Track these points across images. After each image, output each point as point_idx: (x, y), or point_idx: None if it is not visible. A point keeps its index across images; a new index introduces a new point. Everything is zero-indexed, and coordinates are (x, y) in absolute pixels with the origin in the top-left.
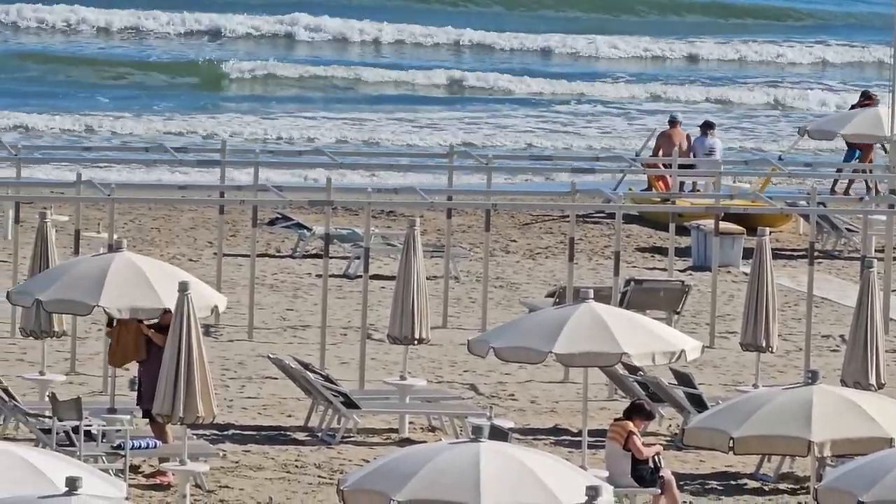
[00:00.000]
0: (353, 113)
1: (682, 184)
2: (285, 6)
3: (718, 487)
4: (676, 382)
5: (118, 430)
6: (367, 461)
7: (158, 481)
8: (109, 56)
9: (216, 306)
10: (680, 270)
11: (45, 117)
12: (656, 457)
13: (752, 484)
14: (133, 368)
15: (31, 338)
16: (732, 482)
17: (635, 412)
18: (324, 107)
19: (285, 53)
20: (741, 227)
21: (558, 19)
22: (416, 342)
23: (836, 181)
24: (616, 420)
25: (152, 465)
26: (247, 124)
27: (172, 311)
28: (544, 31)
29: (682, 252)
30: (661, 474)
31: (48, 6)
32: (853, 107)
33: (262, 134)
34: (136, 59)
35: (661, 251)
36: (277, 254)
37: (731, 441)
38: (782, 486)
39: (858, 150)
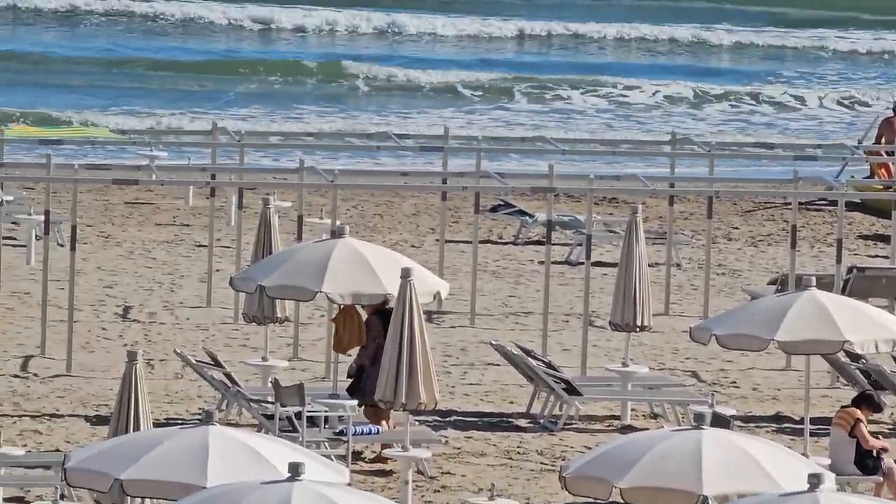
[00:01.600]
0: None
1: None
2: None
3: None
4: None
5: (341, 416)
6: (589, 448)
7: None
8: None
9: (438, 292)
10: None
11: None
12: (881, 451)
13: None
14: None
15: (253, 323)
16: None
17: (864, 402)
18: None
19: None
20: None
21: None
22: (638, 329)
23: None
24: (843, 407)
25: (374, 451)
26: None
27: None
28: None
29: None
30: (883, 463)
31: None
32: None
33: (484, 121)
34: None
35: (884, 239)
36: (500, 240)
37: None
38: None
39: None
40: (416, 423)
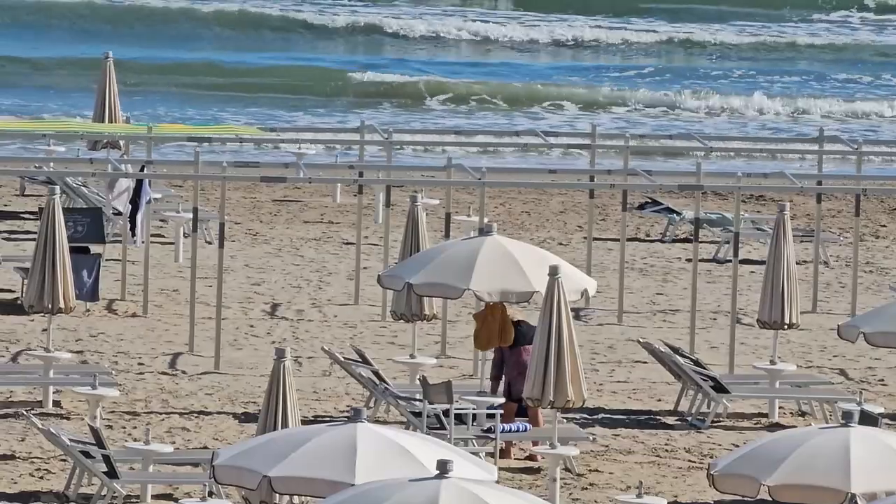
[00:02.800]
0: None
1: None
2: None
3: None
4: None
5: (489, 414)
6: (737, 446)
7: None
8: None
9: (586, 290)
10: None
11: None
12: None
13: None
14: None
15: (401, 321)
16: None
17: None
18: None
19: None
20: None
21: None
22: (785, 327)
23: None
24: None
25: (522, 449)
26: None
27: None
28: None
29: None
30: None
31: None
32: None
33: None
34: None
35: None
36: (647, 238)
37: None
38: None
39: None
40: (564, 420)
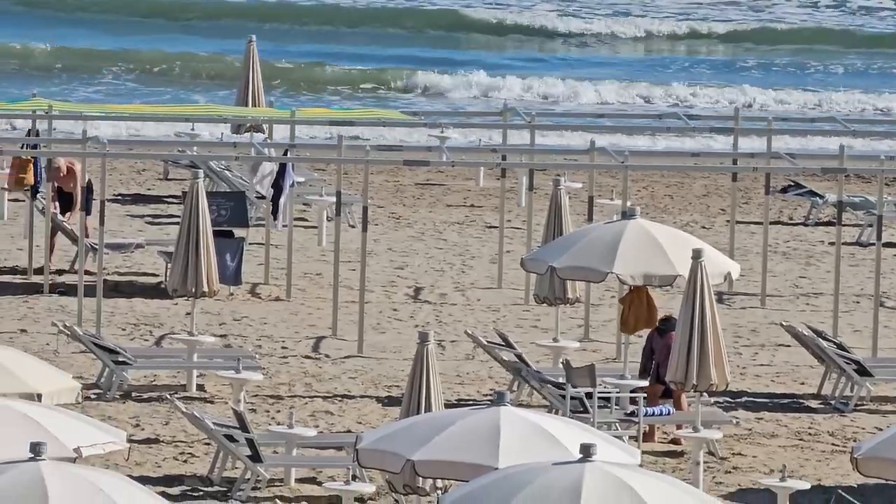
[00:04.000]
0: (868, 82)
1: None
2: None
3: None
4: None
5: (632, 397)
6: (881, 429)
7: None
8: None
9: (729, 273)
10: None
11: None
12: None
13: None
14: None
15: (544, 304)
16: None
17: None
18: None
19: None
20: None
21: None
22: None
23: None
24: None
25: (665, 433)
26: (759, 92)
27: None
28: None
29: None
30: None
31: None
32: None
33: (773, 103)
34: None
35: None
36: (790, 221)
37: None
38: None
39: None
40: (708, 403)
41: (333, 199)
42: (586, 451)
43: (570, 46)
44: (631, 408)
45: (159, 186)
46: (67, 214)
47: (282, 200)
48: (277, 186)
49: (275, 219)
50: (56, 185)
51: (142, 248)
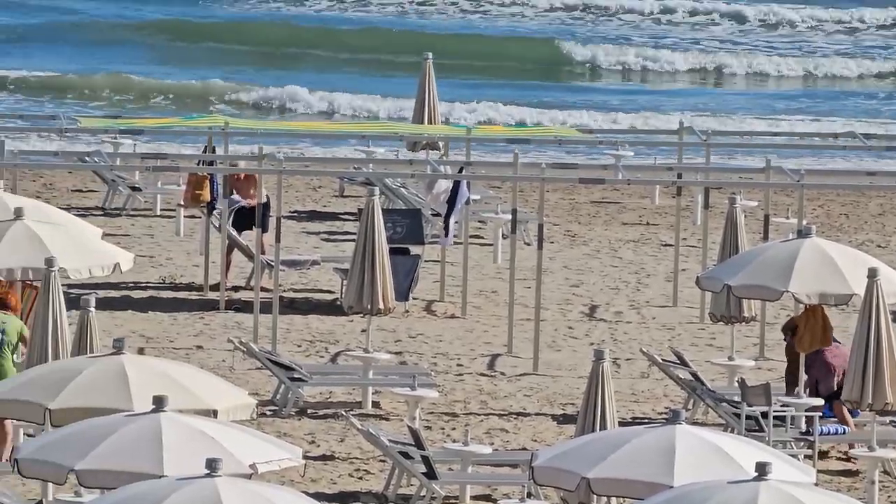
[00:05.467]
0: None
1: None
2: None
3: None
4: None
5: (807, 416)
6: None
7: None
8: None
9: None
10: None
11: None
12: None
13: None
14: None
15: (720, 323)
16: None
17: None
18: None
19: None
20: None
21: None
22: None
23: None
24: None
25: (841, 451)
26: None
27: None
28: None
29: None
30: None
31: None
32: None
33: None
34: None
35: None
36: None
37: None
38: None
39: None
40: (884, 423)
41: (509, 216)
42: (762, 469)
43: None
44: (806, 426)
45: (335, 203)
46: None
47: (452, 218)
48: (451, 204)
49: (445, 236)
50: (233, 201)
51: (318, 264)
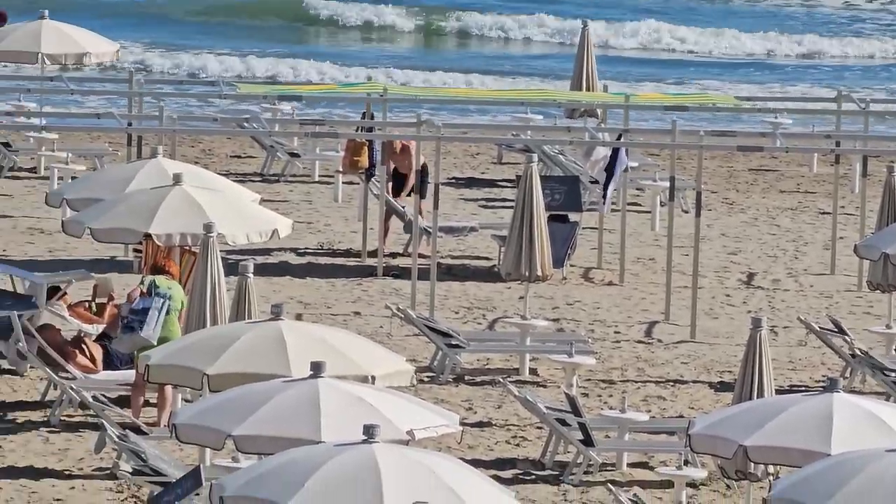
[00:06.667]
0: None
1: None
2: None
3: None
4: None
5: None
6: None
7: None
8: None
9: None
10: None
11: None
12: None
13: None
14: None
15: (878, 291)
16: None
17: None
18: None
19: None
20: None
21: None
22: None
23: None
24: None
25: None
26: None
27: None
28: None
29: None
30: None
31: None
32: None
33: None
34: None
35: None
36: None
37: None
38: None
39: None
40: None
41: (667, 184)
42: None
43: None
44: None
45: (493, 170)
46: (402, 195)
47: (610, 186)
48: (609, 171)
49: (603, 203)
50: (391, 166)
51: (475, 231)
